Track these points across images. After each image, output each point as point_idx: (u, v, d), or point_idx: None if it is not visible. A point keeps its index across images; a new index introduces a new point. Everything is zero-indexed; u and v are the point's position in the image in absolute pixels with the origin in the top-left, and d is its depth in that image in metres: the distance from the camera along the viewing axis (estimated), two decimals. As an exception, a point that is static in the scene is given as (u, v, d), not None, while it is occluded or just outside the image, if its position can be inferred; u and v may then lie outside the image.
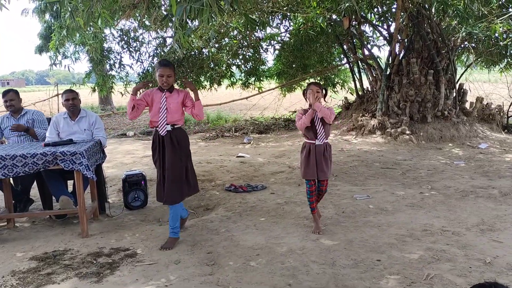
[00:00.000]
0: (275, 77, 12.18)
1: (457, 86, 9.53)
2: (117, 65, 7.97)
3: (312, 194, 3.94)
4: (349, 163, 6.85)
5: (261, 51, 10.27)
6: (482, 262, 3.15)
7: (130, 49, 7.98)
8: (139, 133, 12.14)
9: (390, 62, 9.60)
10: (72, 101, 4.60)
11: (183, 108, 3.86)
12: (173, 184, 3.71)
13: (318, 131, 3.82)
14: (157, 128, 3.77)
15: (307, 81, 12.78)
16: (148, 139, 11.03)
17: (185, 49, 7.03)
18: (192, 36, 6.11)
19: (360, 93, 11.39)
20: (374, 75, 10.41)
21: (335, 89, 12.81)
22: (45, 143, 4.12)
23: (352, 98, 12.40)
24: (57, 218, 4.47)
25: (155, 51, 8.19)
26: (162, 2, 5.57)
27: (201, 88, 10.06)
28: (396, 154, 7.60)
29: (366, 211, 4.43)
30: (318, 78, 12.39)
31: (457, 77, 9.75)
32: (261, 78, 11.11)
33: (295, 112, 12.94)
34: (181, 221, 4.09)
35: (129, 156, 8.48)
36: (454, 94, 9.32)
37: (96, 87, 8.20)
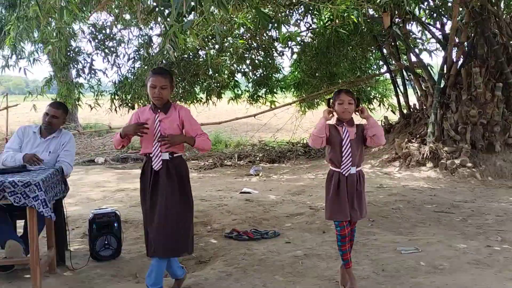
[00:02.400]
0: (293, 89, 12.30)
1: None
2: (86, 70, 8.11)
3: (345, 240, 3.90)
4: (390, 204, 6.79)
5: (275, 54, 10.38)
6: None
7: (105, 50, 8.12)
8: (111, 159, 12.23)
9: (445, 72, 9.65)
10: (50, 118, 4.69)
11: (182, 131, 3.90)
12: (169, 234, 3.71)
13: (350, 154, 3.81)
14: (151, 159, 3.80)
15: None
16: (124, 167, 11.08)
17: (179, 50, 7.13)
18: (188, 33, 6.19)
19: (405, 111, 11.42)
20: (424, 88, 10.46)
21: (372, 106, 12.88)
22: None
23: (394, 118, 12.41)
24: (2, 270, 4.43)
25: (137, 53, 8.32)
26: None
27: (194, 101, 10.15)
28: (453, 193, 7.54)
29: (414, 269, 4.36)
30: (349, 91, 12.46)
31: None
32: (274, 90, 11.22)
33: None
34: (176, 283, 4.09)
35: (98, 190, 8.48)
36: (531, 115, 9.32)
37: (58, 98, 8.31)
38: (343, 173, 3.83)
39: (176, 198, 3.77)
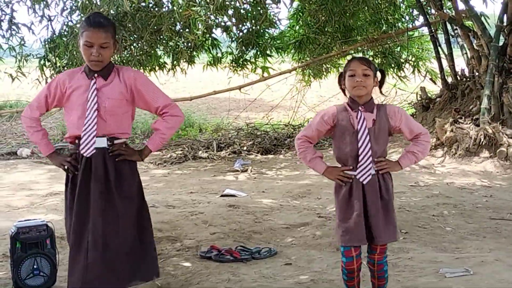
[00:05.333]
0: (293, 51, 12.24)
1: None
2: (5, 25, 8.02)
3: (353, 275, 3.89)
4: (430, 209, 6.82)
5: (268, 1, 10.32)
6: None
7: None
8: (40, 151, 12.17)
9: (505, 24, 9.66)
10: None
11: (132, 106, 3.89)
12: (105, 255, 3.73)
13: (369, 151, 3.77)
14: (79, 145, 3.78)
15: (350, 58, 12.85)
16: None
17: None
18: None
19: (449, 80, 11.43)
20: (476, 47, 10.47)
21: (402, 73, 12.88)
22: None
23: (434, 89, 12.43)
24: None
25: (75, 2, 8.24)
26: None
27: (156, 68, 10.07)
28: (517, 193, 7.58)
29: (463, 299, 4.39)
30: (370, 53, 12.44)
31: None
32: (268, 52, 11.15)
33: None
34: None
35: (22, 194, 8.44)
36: None
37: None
38: (360, 179, 3.78)
39: (120, 205, 3.78)
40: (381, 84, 3.92)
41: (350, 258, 3.84)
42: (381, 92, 4.00)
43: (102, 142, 3.79)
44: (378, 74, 3.92)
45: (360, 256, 3.88)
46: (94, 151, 3.77)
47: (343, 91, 3.88)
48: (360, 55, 12.34)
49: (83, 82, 3.82)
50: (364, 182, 3.77)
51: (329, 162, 4.12)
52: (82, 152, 3.78)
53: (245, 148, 11.71)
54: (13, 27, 8.08)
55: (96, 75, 3.82)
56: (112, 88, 3.81)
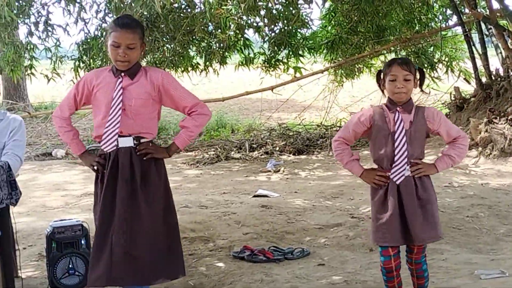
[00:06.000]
0: (325, 51, 12.21)
1: None
2: (41, 27, 8.10)
3: (392, 274, 3.90)
4: (465, 210, 6.76)
5: (300, 1, 10.30)
6: None
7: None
8: (75, 151, 12.30)
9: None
10: None
11: (158, 106, 3.93)
12: (129, 253, 3.77)
13: (405, 152, 3.77)
14: (102, 139, 3.85)
15: (382, 58, 12.80)
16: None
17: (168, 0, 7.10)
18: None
19: (483, 79, 11.32)
20: (511, 46, 10.35)
21: (435, 74, 12.78)
22: None
23: (468, 89, 12.30)
24: None
25: (109, 4, 8.30)
26: None
27: (188, 68, 10.11)
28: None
29: (499, 301, 4.35)
30: (403, 53, 12.36)
31: None
32: (300, 52, 11.13)
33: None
34: None
35: (57, 194, 8.54)
36: None
37: (2, 66, 8.32)
38: (394, 179, 3.79)
39: (146, 205, 3.83)
40: (421, 83, 3.91)
41: (387, 257, 3.86)
42: (422, 90, 3.99)
43: (129, 142, 3.83)
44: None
45: (398, 255, 3.89)
46: (115, 147, 3.82)
47: (382, 91, 3.88)
48: (393, 55, 12.27)
49: (110, 80, 3.87)
50: (397, 182, 3.78)
51: (363, 162, 4.12)
52: (103, 147, 3.84)
53: (277, 148, 11.70)
54: (49, 28, 8.15)
55: (123, 74, 3.85)
56: (139, 87, 3.85)
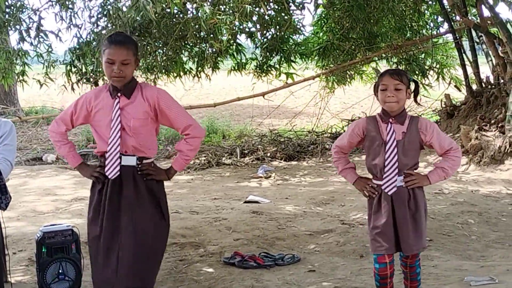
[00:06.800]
0: (316, 57, 12.24)
1: None
2: (33, 33, 8.08)
3: (385, 281, 3.93)
4: (454, 216, 6.77)
5: (292, 7, 10.33)
6: None
7: (59, 2, 8.08)
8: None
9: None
10: None
11: (156, 124, 4.00)
12: (134, 269, 3.82)
13: (395, 163, 3.81)
14: (106, 163, 3.88)
15: (374, 64, 12.84)
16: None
17: (160, 4, 7.10)
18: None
19: (474, 87, 11.36)
20: (501, 54, 10.39)
21: (426, 81, 12.82)
22: None
23: (459, 96, 12.34)
24: None
25: (102, 9, 8.29)
26: None
27: (181, 73, 10.12)
28: (544, 201, 7.50)
29: (489, 308, 4.36)
30: (394, 60, 12.40)
31: None
32: (292, 58, 11.16)
33: (351, 121, 12.89)
34: None
35: (48, 199, 8.51)
36: None
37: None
38: (386, 190, 3.84)
39: (149, 223, 3.87)
40: (415, 94, 3.95)
41: (383, 264, 3.89)
42: (416, 101, 4.04)
43: (132, 161, 3.88)
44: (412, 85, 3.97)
45: (393, 262, 3.93)
46: (118, 173, 3.86)
47: (377, 97, 3.92)
48: (384, 62, 12.31)
49: (107, 102, 3.90)
50: (389, 193, 3.83)
51: (359, 169, 4.16)
52: (107, 173, 3.87)
53: (268, 154, 11.71)
54: (41, 34, 8.13)
55: (119, 94, 3.87)
56: (136, 107, 3.88)
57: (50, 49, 8.36)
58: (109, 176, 3.86)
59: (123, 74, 3.81)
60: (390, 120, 3.83)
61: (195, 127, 4.01)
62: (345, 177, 4.09)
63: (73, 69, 8.82)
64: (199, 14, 7.85)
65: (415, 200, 3.87)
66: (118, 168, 3.85)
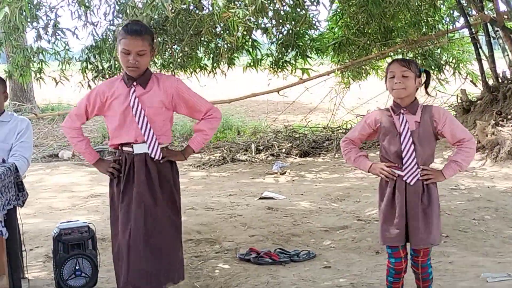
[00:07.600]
0: (331, 52, 12.20)
1: None
2: (49, 30, 8.10)
3: (400, 276, 3.92)
4: (471, 213, 6.75)
5: (308, 3, 10.29)
6: None
7: (77, 0, 8.09)
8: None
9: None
10: None
11: (171, 112, 4.01)
12: (145, 258, 3.84)
13: (413, 153, 3.78)
14: (126, 153, 3.90)
15: (389, 60, 12.76)
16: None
17: (176, 1, 7.09)
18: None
19: (490, 82, 11.29)
20: (519, 49, 10.33)
21: (442, 76, 12.75)
22: None
23: (475, 91, 12.27)
24: None
25: (118, 7, 8.30)
26: None
27: (197, 69, 10.12)
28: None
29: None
30: (410, 55, 12.35)
31: None
32: (307, 53, 11.13)
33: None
34: None
35: (64, 196, 8.57)
36: None
37: (11, 71, 8.33)
38: (407, 180, 3.79)
39: (161, 208, 3.90)
40: (426, 84, 3.91)
41: (398, 259, 3.89)
42: (427, 92, 3.99)
43: (144, 148, 3.87)
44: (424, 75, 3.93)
45: (406, 257, 3.92)
46: (161, 154, 3.90)
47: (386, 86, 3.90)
48: (400, 57, 12.26)
49: (123, 91, 3.92)
50: (411, 183, 3.79)
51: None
52: (152, 155, 3.88)
53: (283, 150, 11.70)
54: (58, 31, 8.14)
55: (135, 83, 3.89)
56: (152, 96, 3.90)
57: (67, 47, 8.37)
58: (156, 157, 3.88)
59: (138, 64, 3.83)
60: (402, 111, 3.79)
61: (215, 109, 4.09)
62: (359, 166, 4.03)
63: (89, 66, 8.84)
64: (213, 7, 7.85)
65: (428, 194, 3.84)
66: (159, 150, 3.89)
